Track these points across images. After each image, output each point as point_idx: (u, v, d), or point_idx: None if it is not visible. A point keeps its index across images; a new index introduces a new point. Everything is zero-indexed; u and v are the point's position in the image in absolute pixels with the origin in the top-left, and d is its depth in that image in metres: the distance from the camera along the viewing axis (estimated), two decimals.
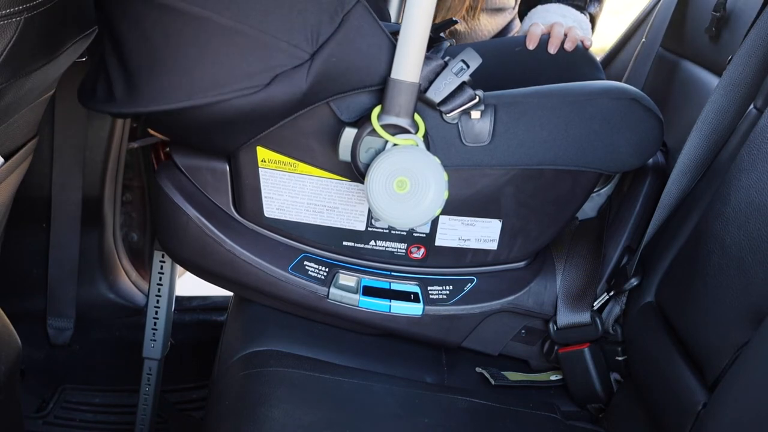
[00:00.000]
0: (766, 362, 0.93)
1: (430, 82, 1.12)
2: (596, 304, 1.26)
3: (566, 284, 1.27)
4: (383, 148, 1.12)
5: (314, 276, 1.25)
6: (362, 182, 1.12)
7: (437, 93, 1.13)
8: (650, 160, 1.29)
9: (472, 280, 1.27)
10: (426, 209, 1.11)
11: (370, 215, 1.22)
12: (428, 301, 1.25)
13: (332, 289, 1.24)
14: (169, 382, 1.67)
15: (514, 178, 1.20)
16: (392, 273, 1.26)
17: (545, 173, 1.20)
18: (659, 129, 1.20)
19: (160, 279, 1.50)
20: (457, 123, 1.16)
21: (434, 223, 1.22)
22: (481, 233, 1.24)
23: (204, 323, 1.79)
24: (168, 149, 1.30)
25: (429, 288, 1.26)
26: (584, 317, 1.25)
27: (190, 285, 1.68)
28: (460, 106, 1.14)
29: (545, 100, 1.18)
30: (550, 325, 1.27)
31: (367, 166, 1.12)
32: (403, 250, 1.25)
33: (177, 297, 1.61)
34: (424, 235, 1.24)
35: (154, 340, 1.52)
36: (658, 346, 1.14)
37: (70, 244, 1.63)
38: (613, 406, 1.25)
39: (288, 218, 1.23)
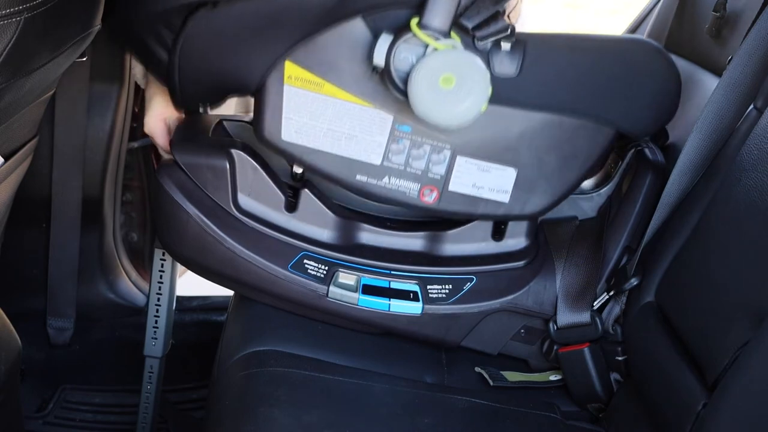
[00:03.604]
0: (766, 362, 0.93)
1: (466, 8, 1.12)
2: (596, 304, 1.26)
3: (566, 284, 1.27)
4: (420, 56, 1.10)
5: (314, 274, 1.25)
6: (389, 96, 1.11)
7: (472, 19, 1.12)
8: (650, 158, 1.29)
9: (471, 279, 1.27)
10: (472, 104, 1.10)
11: (387, 149, 1.20)
12: (427, 300, 1.25)
13: (332, 288, 1.25)
14: (169, 382, 1.67)
15: (534, 124, 1.19)
16: (392, 272, 1.27)
17: (564, 124, 1.19)
18: (677, 84, 1.22)
19: (161, 277, 1.50)
20: (488, 52, 1.15)
21: (450, 164, 1.21)
22: (496, 182, 1.22)
23: (204, 323, 1.79)
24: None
25: (428, 287, 1.26)
26: (584, 317, 1.25)
27: (190, 285, 1.68)
28: (494, 35, 1.13)
29: (574, 41, 1.20)
30: (550, 325, 1.27)
31: (401, 72, 1.10)
32: (416, 192, 1.22)
33: (177, 297, 1.61)
34: (439, 177, 1.21)
35: (155, 339, 1.52)
36: (658, 346, 1.14)
37: (70, 244, 1.63)
38: (613, 406, 1.25)
39: (304, 143, 1.20)
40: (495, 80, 1.15)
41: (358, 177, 1.22)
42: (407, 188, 1.22)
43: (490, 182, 1.22)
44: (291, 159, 1.23)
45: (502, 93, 1.16)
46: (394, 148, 1.20)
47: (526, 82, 1.17)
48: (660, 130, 1.37)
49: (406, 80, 1.11)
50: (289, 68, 1.16)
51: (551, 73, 1.18)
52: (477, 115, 1.11)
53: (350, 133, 1.19)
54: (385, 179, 1.22)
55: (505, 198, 1.23)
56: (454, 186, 1.22)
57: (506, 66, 1.16)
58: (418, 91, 1.09)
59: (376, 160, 1.21)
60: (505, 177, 1.22)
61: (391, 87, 1.12)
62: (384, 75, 1.12)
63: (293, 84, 1.17)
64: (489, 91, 1.10)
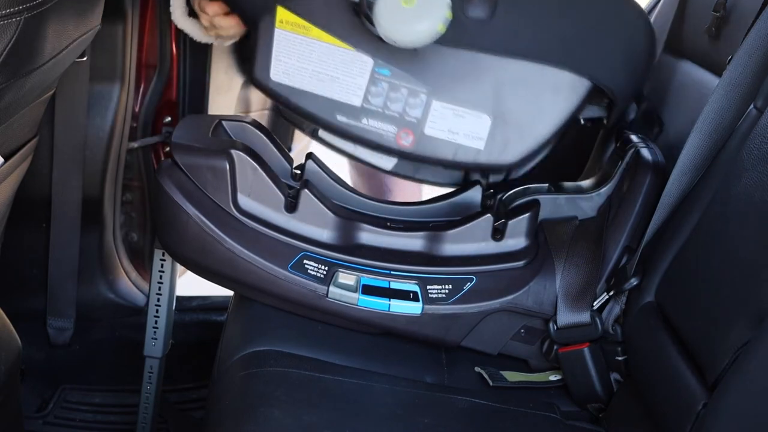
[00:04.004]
0: (766, 362, 0.93)
1: None
2: (596, 304, 1.26)
3: (566, 284, 1.27)
4: None
5: (314, 275, 1.25)
6: (370, 40, 1.18)
7: None
8: (650, 158, 1.29)
9: (471, 279, 1.27)
10: (431, 24, 1.14)
11: (367, 91, 1.25)
12: (427, 300, 1.25)
13: (332, 288, 1.25)
14: (169, 381, 1.67)
15: (508, 71, 1.24)
16: (392, 272, 1.27)
17: (539, 72, 1.24)
18: (648, 31, 1.27)
19: (161, 277, 1.50)
20: None
21: (426, 108, 1.25)
22: (471, 128, 1.26)
23: (204, 323, 1.79)
24: (168, 149, 1.30)
25: (428, 287, 1.26)
26: (584, 317, 1.25)
27: (190, 285, 1.68)
28: None
29: None
30: (550, 325, 1.27)
31: (372, 5, 1.15)
32: (393, 134, 1.27)
33: (177, 297, 1.61)
34: (415, 120, 1.26)
35: (155, 339, 1.53)
36: (658, 346, 1.13)
37: (70, 244, 1.63)
38: (613, 406, 1.25)
39: (292, 84, 1.27)
40: (468, 23, 1.20)
41: (339, 117, 1.28)
42: (385, 130, 1.28)
43: (465, 128, 1.26)
44: (278, 99, 1.29)
45: (476, 37, 1.21)
46: (374, 90, 1.25)
47: (498, 27, 1.21)
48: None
49: None
50: (281, 13, 1.23)
51: (523, 19, 1.22)
52: (435, 35, 1.14)
53: (333, 75, 1.25)
54: (364, 120, 1.28)
55: (480, 145, 1.27)
56: (429, 130, 1.27)
57: (479, 9, 1.20)
58: (381, 8, 1.13)
59: (357, 102, 1.27)
60: (480, 123, 1.26)
61: (364, 19, 1.16)
62: (359, 9, 1.17)
63: (284, 28, 1.24)
64: (447, 12, 1.14)
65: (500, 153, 1.28)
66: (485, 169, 1.33)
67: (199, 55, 1.65)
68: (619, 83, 1.27)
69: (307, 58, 1.26)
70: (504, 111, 1.25)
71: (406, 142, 1.27)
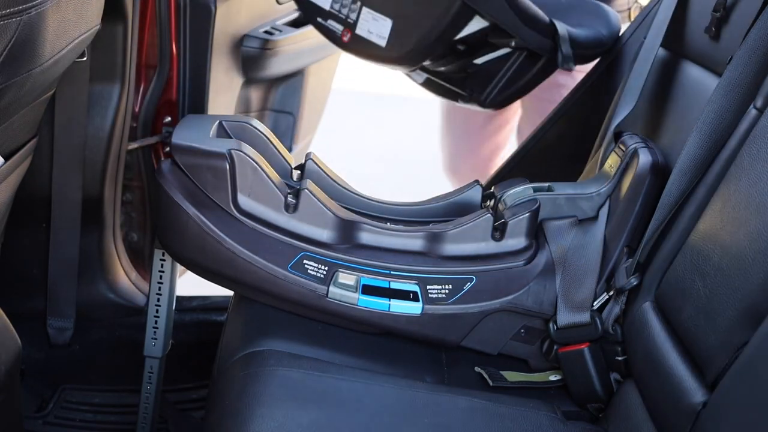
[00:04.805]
0: (766, 362, 0.93)
1: None
2: (596, 304, 1.26)
3: (566, 284, 1.27)
4: None
5: (314, 275, 1.25)
6: None
7: None
8: (650, 159, 1.29)
9: (471, 279, 1.27)
10: None
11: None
12: (427, 300, 1.25)
13: (332, 288, 1.25)
14: (169, 381, 1.67)
15: None
16: (392, 272, 1.27)
17: None
18: None
19: (161, 277, 1.50)
20: None
21: (359, 13, 1.60)
22: (379, 29, 1.59)
23: (204, 323, 1.79)
24: (168, 149, 1.30)
25: (428, 287, 1.26)
26: (584, 317, 1.25)
27: (190, 285, 1.68)
28: None
29: None
30: (550, 325, 1.27)
31: None
32: (339, 32, 1.64)
33: (177, 297, 1.61)
34: (352, 22, 1.62)
35: (155, 339, 1.52)
36: (657, 346, 1.13)
37: (70, 244, 1.63)
38: (613, 406, 1.25)
39: None
40: None
41: (318, 19, 1.68)
42: (336, 29, 1.65)
43: (376, 29, 1.60)
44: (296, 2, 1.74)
45: None
46: None
47: None
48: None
49: None
50: None
51: None
52: None
53: None
54: (329, 21, 1.65)
55: (382, 42, 1.59)
56: (359, 30, 1.61)
57: None
58: None
59: (326, 6, 1.67)
60: (385, 25, 1.59)
61: None
62: None
63: None
64: None
65: (393, 50, 1.59)
66: (389, 62, 1.64)
67: (199, 55, 1.65)
68: (495, 10, 1.53)
69: None
70: (400, 19, 1.57)
71: (346, 38, 1.63)
